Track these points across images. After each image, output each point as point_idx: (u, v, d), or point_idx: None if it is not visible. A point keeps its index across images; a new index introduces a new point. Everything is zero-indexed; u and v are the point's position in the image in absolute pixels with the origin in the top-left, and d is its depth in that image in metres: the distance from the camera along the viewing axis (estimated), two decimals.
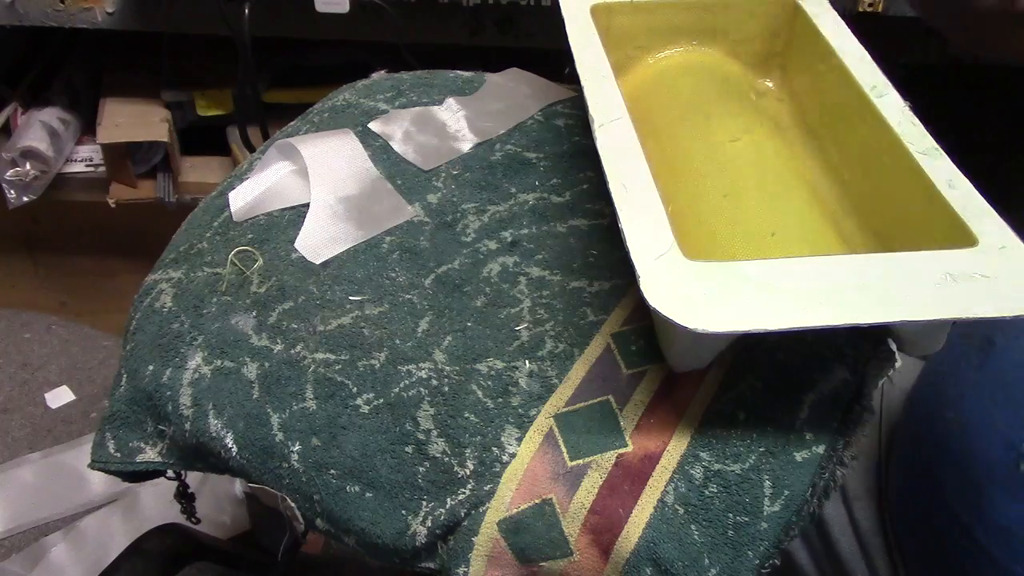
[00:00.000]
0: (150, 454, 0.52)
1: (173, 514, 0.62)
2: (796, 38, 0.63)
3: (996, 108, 1.17)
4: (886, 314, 0.40)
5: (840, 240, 0.52)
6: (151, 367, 0.52)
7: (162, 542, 0.62)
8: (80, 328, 0.97)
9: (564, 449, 0.44)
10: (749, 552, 0.42)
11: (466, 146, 0.63)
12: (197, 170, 1.14)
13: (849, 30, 0.59)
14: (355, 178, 0.60)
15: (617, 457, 0.44)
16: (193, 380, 0.50)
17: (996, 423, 0.51)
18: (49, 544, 0.80)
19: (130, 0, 0.98)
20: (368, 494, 0.46)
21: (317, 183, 0.59)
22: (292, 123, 0.68)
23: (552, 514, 0.43)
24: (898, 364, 0.46)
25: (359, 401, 0.48)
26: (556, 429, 0.45)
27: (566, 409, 0.46)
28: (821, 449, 0.44)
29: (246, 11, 0.90)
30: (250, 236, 0.57)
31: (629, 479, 0.43)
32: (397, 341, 0.50)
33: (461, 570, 0.44)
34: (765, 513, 0.42)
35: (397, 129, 0.64)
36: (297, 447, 0.47)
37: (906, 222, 0.49)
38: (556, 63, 0.66)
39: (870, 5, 0.91)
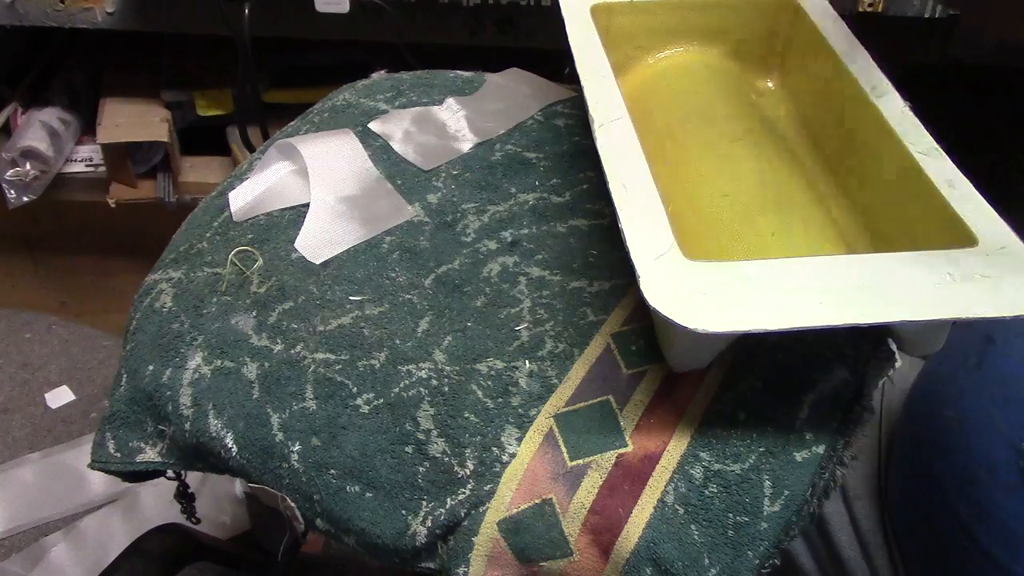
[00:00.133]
0: (150, 454, 0.52)
1: (173, 514, 0.62)
2: (796, 38, 0.63)
3: (996, 108, 1.17)
4: (886, 314, 0.40)
5: (840, 240, 0.52)
6: (151, 367, 0.52)
7: (162, 542, 0.62)
8: (80, 328, 0.97)
9: (564, 449, 0.44)
10: (749, 552, 0.42)
11: (466, 146, 0.63)
12: (197, 170, 1.14)
13: (849, 30, 0.59)
14: (355, 178, 0.60)
15: (617, 457, 0.44)
16: (193, 380, 0.50)
17: (996, 422, 0.51)
18: (49, 544, 0.79)
19: (130, 0, 0.98)
20: (368, 494, 0.46)
21: (317, 183, 0.59)
22: (292, 123, 0.68)
23: (552, 514, 0.43)
24: (898, 364, 0.46)
25: (359, 401, 0.48)
26: (556, 429, 0.45)
27: (566, 409, 0.46)
28: (821, 449, 0.44)
29: (246, 11, 0.90)
30: (250, 236, 0.57)
31: (629, 479, 0.43)
32: (397, 341, 0.50)
33: (461, 570, 0.44)
34: (765, 513, 0.42)
35: (397, 129, 0.64)
36: (297, 447, 0.47)
37: (906, 222, 0.49)
38: (556, 63, 0.66)
39: (870, 5, 0.90)
